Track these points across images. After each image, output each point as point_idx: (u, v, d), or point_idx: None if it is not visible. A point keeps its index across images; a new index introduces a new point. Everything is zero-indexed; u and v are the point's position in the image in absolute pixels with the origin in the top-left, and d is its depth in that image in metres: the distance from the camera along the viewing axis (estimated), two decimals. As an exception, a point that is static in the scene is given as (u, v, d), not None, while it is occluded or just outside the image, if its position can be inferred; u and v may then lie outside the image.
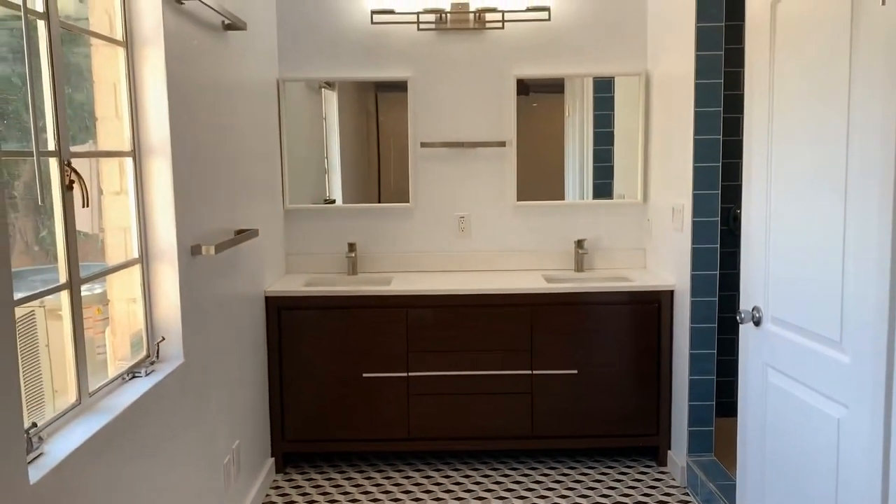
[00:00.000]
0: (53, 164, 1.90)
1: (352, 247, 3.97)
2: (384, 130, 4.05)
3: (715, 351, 3.35)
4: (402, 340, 3.57)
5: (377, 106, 4.04)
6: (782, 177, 2.28)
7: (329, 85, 4.02)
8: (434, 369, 3.57)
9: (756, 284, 2.43)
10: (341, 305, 3.56)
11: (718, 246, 3.30)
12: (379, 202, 4.07)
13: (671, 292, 3.54)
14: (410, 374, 3.58)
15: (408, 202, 4.02)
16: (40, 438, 1.72)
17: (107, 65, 2.31)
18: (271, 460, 3.61)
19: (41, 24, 1.84)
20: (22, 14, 1.71)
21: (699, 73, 3.22)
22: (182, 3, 2.44)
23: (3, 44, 1.77)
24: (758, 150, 2.42)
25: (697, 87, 3.23)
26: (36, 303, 3.07)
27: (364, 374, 3.58)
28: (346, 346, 3.58)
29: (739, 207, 3.68)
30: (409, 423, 3.61)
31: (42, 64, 1.86)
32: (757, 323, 2.42)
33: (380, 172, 4.09)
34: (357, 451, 3.76)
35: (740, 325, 2.50)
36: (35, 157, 1.75)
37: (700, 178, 3.27)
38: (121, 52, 2.30)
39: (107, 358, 2.51)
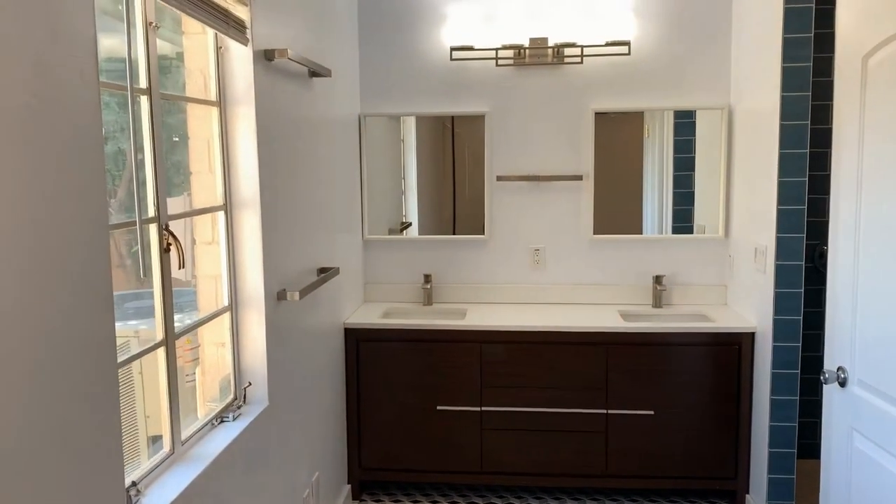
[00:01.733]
0: (153, 228, 2.01)
1: (427, 278, 4.04)
2: (459, 152, 4.09)
3: (797, 397, 3.26)
4: (475, 374, 3.61)
5: (453, 129, 4.10)
6: (872, 236, 2.21)
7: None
8: (508, 405, 3.60)
9: (842, 345, 2.36)
10: (417, 338, 3.63)
11: (803, 290, 3.21)
12: (454, 233, 4.13)
13: (752, 334, 3.46)
14: (484, 408, 3.61)
15: (483, 234, 4.06)
16: (138, 491, 1.84)
17: (201, 123, 2.43)
18: (348, 487, 3.71)
19: (144, 100, 1.96)
20: (128, 93, 1.83)
21: (784, 113, 3.14)
22: (272, 61, 2.55)
23: (111, 122, 1.89)
24: (845, 207, 2.35)
25: (783, 129, 3.15)
26: (131, 332, 3.25)
27: (438, 407, 3.64)
28: (421, 378, 3.64)
29: (826, 244, 3.57)
30: (482, 456, 3.65)
31: (144, 137, 1.98)
32: (842, 384, 2.35)
33: (455, 204, 4.15)
34: (430, 481, 3.82)
35: (824, 386, 2.44)
36: (138, 227, 1.86)
37: (784, 221, 3.19)
38: (214, 111, 2.41)
39: (195, 387, 2.64)
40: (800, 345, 3.23)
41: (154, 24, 1.99)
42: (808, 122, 3.14)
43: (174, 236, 2.05)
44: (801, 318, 3.22)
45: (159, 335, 2.07)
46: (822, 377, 2.41)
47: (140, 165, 1.97)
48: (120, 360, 1.75)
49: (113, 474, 1.57)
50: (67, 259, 1.44)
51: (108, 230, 1.62)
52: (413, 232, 4.18)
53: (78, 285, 1.47)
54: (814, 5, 3.09)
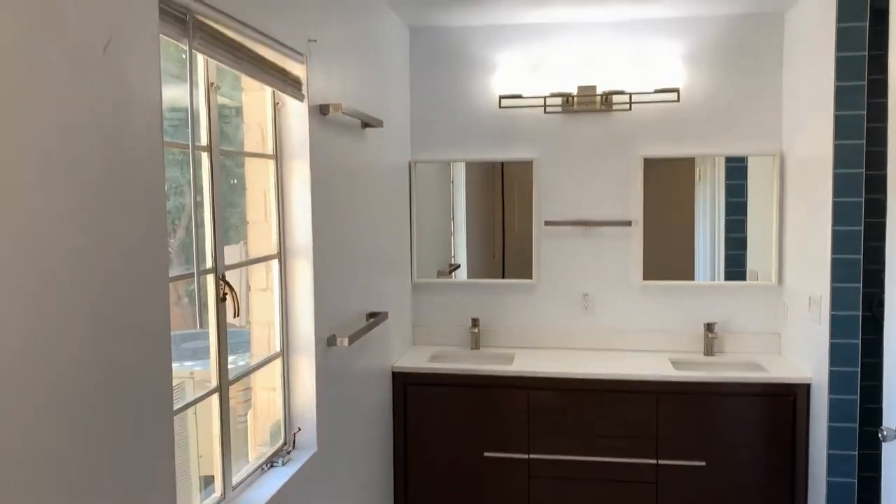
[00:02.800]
0: (210, 279, 2.09)
1: (475, 322, 4.05)
2: (509, 192, 4.13)
3: (856, 452, 3.15)
4: (523, 421, 3.59)
5: (503, 170, 4.14)
6: (929, 292, 2.16)
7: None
8: (556, 452, 3.56)
9: (900, 402, 2.29)
10: (465, 383, 3.64)
11: (859, 342, 3.13)
12: (503, 276, 4.15)
13: (808, 386, 3.37)
14: (532, 456, 3.59)
15: (531, 278, 4.07)
16: (191, 536, 1.88)
17: (258, 175, 2.53)
18: (394, 532, 3.71)
19: (204, 156, 2.06)
20: (190, 152, 1.93)
21: (838, 162, 3.10)
22: (326, 115, 2.64)
23: (173, 179, 1.99)
24: (902, 260, 2.31)
25: (836, 177, 3.10)
26: (186, 373, 3.34)
27: (485, 454, 3.63)
28: (468, 424, 3.64)
29: (884, 293, 3.48)
30: (530, 504, 3.62)
31: (204, 192, 2.07)
32: (902, 442, 2.28)
33: (504, 245, 4.18)
34: (477, 527, 3.79)
35: (883, 444, 2.36)
36: (195, 278, 1.94)
37: (839, 271, 3.12)
38: (271, 164, 2.51)
39: (247, 430, 2.70)
40: (857, 397, 3.14)
41: (215, 85, 2.09)
42: (863, 169, 3.09)
43: (230, 286, 2.12)
44: (859, 369, 3.14)
45: (214, 381, 2.14)
46: (880, 434, 2.34)
47: (199, 217, 2.06)
48: (175, 407, 1.81)
49: (167, 521, 1.63)
50: (129, 312, 1.51)
51: (168, 282, 1.70)
52: (461, 274, 4.22)
53: (138, 335, 1.55)
54: (866, 53, 3.06)
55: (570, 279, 4.04)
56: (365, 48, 3.22)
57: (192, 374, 3.37)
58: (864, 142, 3.09)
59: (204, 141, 2.06)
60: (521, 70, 3.89)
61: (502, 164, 4.12)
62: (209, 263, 2.09)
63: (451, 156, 4.09)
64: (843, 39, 3.07)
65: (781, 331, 3.82)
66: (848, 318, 3.13)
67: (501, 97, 3.90)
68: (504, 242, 4.18)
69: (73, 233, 1.35)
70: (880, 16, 2.69)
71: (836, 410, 3.15)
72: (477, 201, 4.24)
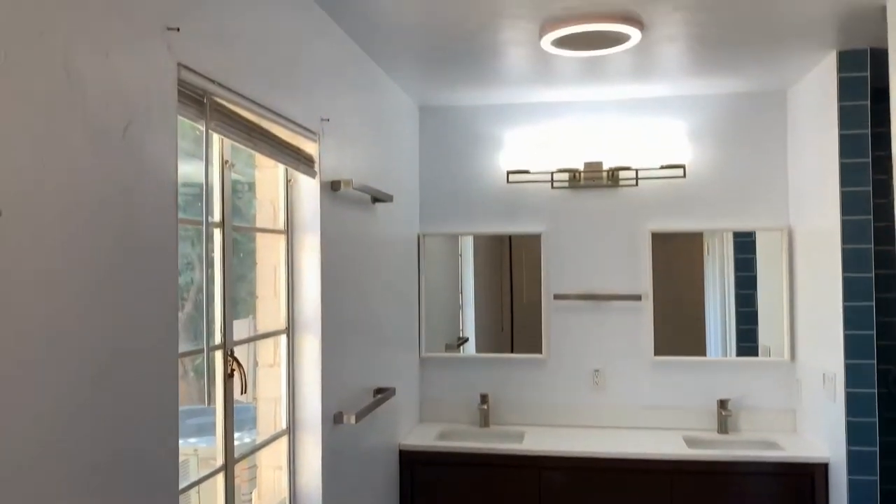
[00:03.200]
0: (218, 355, 2.09)
1: (484, 398, 4.00)
2: (517, 265, 4.13)
3: (879, 536, 3.05)
4: (534, 502, 3.49)
5: (511, 243, 4.16)
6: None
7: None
8: (567, 534, 3.46)
9: (922, 483, 2.23)
10: (474, 463, 3.56)
11: (877, 420, 3.06)
12: (512, 351, 4.12)
13: (825, 465, 3.29)
14: (543, 538, 3.48)
15: (541, 353, 4.04)
16: None
17: (269, 251, 2.55)
18: None
19: (217, 232, 2.08)
20: (203, 228, 1.95)
21: (846, 237, 3.10)
22: (337, 191, 2.68)
23: (185, 255, 2.01)
24: (916, 336, 2.28)
25: (845, 252, 3.10)
26: (191, 450, 3.27)
27: (495, 536, 3.52)
28: (478, 504, 3.55)
29: (900, 370, 3.44)
30: (541, 590, 3.48)
31: (215, 266, 2.09)
32: (926, 527, 2.20)
33: (513, 319, 4.16)
34: None
35: (906, 528, 2.29)
36: (205, 354, 1.94)
37: (852, 347, 3.09)
38: (282, 239, 2.53)
39: (251, 508, 2.64)
40: (877, 478, 3.06)
41: (229, 163, 2.14)
42: (872, 245, 3.09)
43: (238, 362, 2.11)
44: (878, 449, 3.06)
45: (219, 459, 2.10)
46: (903, 518, 2.27)
47: (209, 291, 2.06)
48: (181, 486, 1.78)
49: None
50: (137, 388, 1.51)
51: (178, 358, 1.70)
52: (470, 348, 4.19)
53: (145, 412, 1.53)
54: (869, 131, 3.11)
55: (581, 354, 4.01)
56: (376, 126, 3.30)
57: (196, 451, 3.31)
58: (872, 217, 3.11)
59: (217, 217, 2.09)
60: (528, 147, 3.97)
61: (510, 237, 4.14)
62: (218, 339, 2.08)
63: (460, 229, 4.13)
64: (846, 118, 3.12)
65: (796, 408, 3.75)
66: (863, 395, 3.07)
67: (509, 172, 3.96)
68: (513, 316, 4.17)
69: (84, 308, 1.35)
70: (881, 94, 2.74)
71: (857, 491, 3.06)
72: (485, 275, 4.25)
